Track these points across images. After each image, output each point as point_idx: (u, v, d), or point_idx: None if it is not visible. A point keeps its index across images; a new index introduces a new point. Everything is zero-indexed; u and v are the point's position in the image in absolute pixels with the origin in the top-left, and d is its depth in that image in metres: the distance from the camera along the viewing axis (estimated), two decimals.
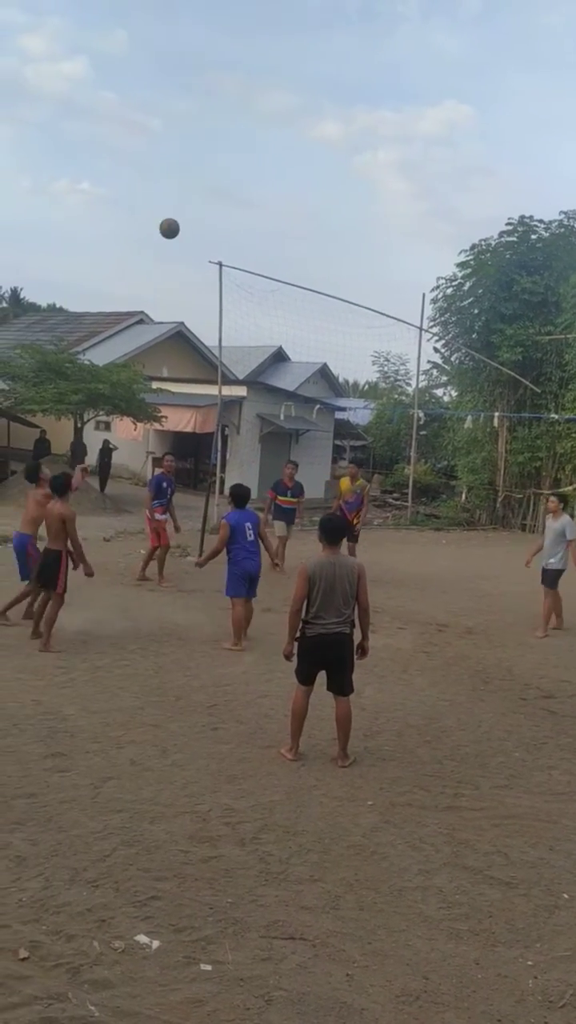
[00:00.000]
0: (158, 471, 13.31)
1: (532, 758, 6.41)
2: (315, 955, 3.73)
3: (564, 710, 7.71)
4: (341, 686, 6.14)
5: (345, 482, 14.68)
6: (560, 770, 6.20)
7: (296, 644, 6.15)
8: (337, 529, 6.32)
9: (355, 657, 6.21)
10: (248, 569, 9.09)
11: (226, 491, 17.40)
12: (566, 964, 3.79)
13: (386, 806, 5.36)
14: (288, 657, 6.25)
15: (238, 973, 3.56)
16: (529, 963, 3.78)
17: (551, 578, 11.01)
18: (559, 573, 10.97)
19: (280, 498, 14.80)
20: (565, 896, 4.40)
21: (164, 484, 12.52)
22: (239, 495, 9.37)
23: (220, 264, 19.77)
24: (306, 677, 6.15)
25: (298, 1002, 3.40)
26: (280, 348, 36.67)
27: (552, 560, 10.99)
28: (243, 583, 9.09)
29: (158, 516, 12.35)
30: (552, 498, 11.85)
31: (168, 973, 3.55)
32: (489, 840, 4.98)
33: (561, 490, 23.81)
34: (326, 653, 6.07)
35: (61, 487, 8.69)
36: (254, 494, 25.33)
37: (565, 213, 25.88)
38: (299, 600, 6.07)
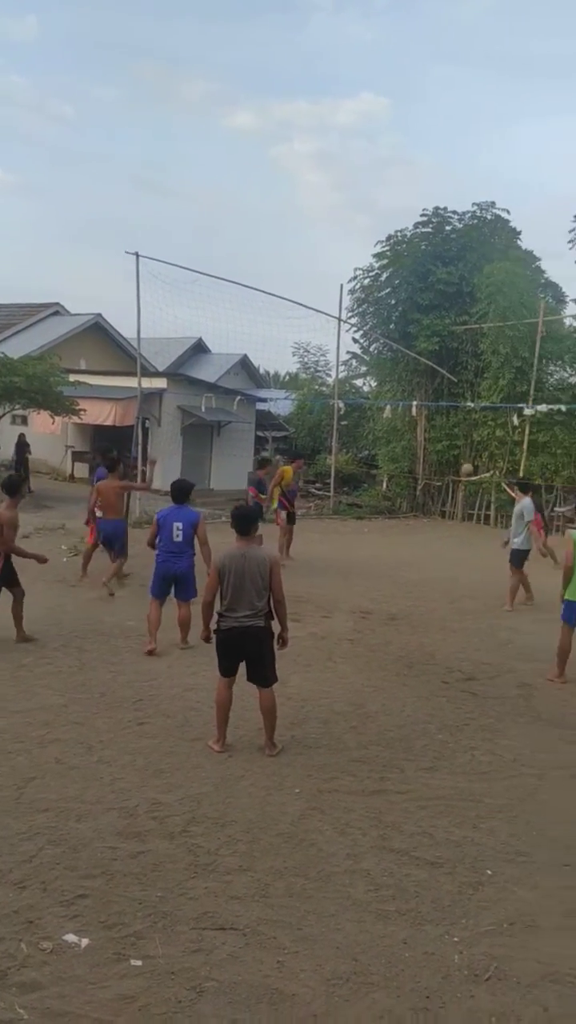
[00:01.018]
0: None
1: (455, 740, 6.55)
2: (246, 944, 3.75)
3: (485, 692, 7.89)
4: (261, 678, 6.12)
5: (288, 471, 15.35)
6: (482, 750, 6.35)
7: (215, 636, 6.14)
8: (245, 518, 6.23)
9: (276, 648, 6.19)
10: (165, 570, 8.67)
11: (147, 483, 17.26)
12: (490, 938, 3.90)
13: (313, 793, 5.41)
14: (206, 640, 6.31)
15: (169, 966, 3.56)
16: (455, 939, 3.87)
17: (516, 558, 11.80)
18: (522, 553, 11.72)
19: (261, 496, 14.97)
20: (489, 872, 4.51)
21: None
22: (176, 489, 8.92)
23: (137, 255, 19.56)
24: (225, 669, 6.14)
25: (229, 991, 3.42)
26: (200, 340, 36.52)
27: (516, 540, 11.79)
28: (160, 584, 8.73)
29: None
30: (512, 485, 12.47)
31: (98, 971, 3.52)
32: (415, 822, 5.08)
33: (478, 476, 24.35)
34: (242, 646, 6.04)
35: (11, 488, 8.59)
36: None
37: (478, 205, 26.38)
38: (210, 591, 6.10)
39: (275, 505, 15.18)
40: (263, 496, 14.85)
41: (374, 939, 3.85)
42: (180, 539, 8.67)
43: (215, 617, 6.15)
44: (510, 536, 12.07)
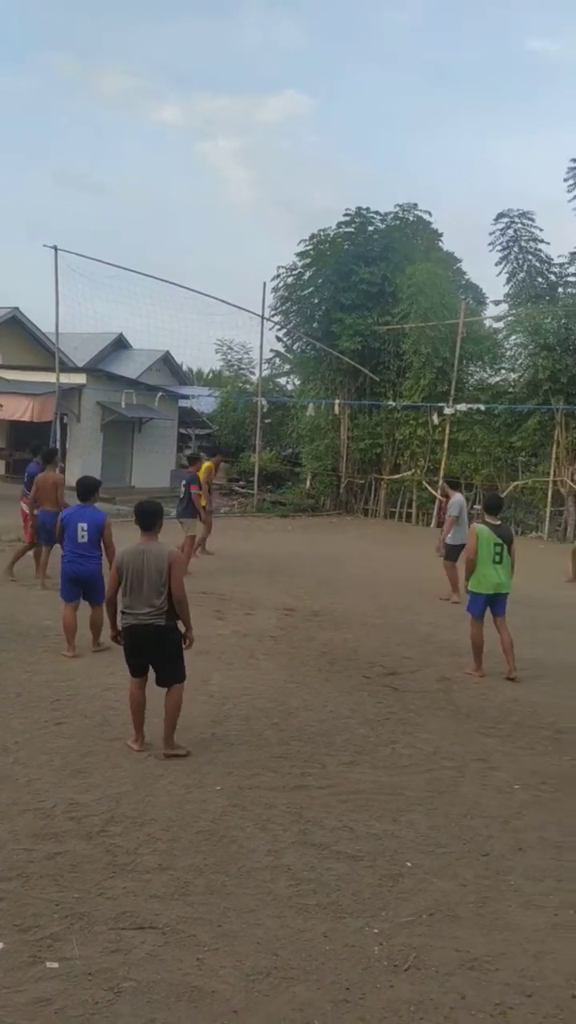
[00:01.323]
0: (35, 462, 12.61)
1: (376, 734, 6.60)
2: (165, 942, 3.70)
3: (406, 686, 7.98)
4: (166, 677, 5.97)
5: (211, 466, 15.51)
6: (402, 744, 6.41)
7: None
8: (147, 514, 6.04)
9: (183, 647, 6.02)
10: (71, 572, 8.34)
11: (66, 482, 16.99)
12: (410, 929, 3.93)
13: (234, 790, 5.38)
14: (115, 640, 6.20)
15: (86, 968, 3.49)
16: (375, 931, 3.89)
17: (450, 553, 12.45)
18: (458, 548, 11.95)
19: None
20: (408, 864, 4.55)
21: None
22: (82, 487, 8.57)
23: (55, 248, 19.23)
24: (132, 668, 6.01)
25: (148, 991, 3.37)
26: (121, 335, 36.06)
27: (449, 536, 12.48)
28: (68, 586, 8.41)
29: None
30: (443, 484, 13.92)
31: (12, 975, 3.43)
32: (336, 816, 5.09)
33: (401, 475, 24.64)
34: (142, 644, 5.88)
35: None
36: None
37: (400, 206, 26.69)
38: (111, 589, 6.08)
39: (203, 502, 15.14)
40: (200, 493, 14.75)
41: (295, 933, 3.84)
42: (85, 540, 8.32)
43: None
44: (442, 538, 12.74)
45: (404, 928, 3.93)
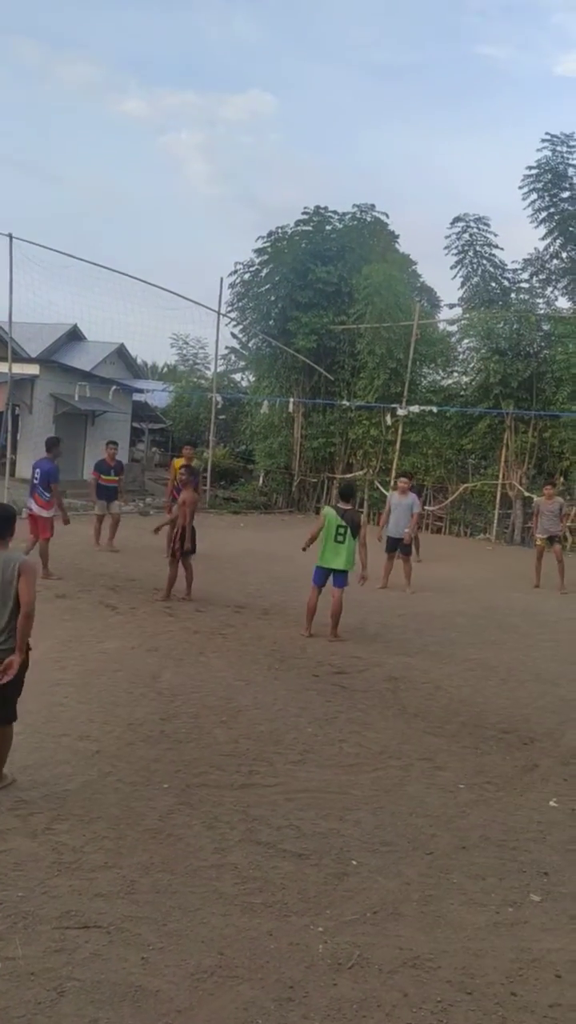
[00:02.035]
0: (46, 456, 12.59)
1: (324, 732, 6.64)
2: (110, 942, 3.69)
3: (354, 685, 8.04)
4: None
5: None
6: (350, 743, 6.46)
7: None
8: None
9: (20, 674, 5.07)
10: None
11: (18, 473, 16.81)
12: (354, 927, 3.96)
13: (182, 788, 5.37)
14: None
15: (29, 967, 3.46)
16: (320, 929, 3.92)
17: (406, 547, 13.56)
18: (398, 541, 13.48)
19: (103, 477, 15.45)
20: (354, 863, 4.59)
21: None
22: None
23: (10, 236, 18.96)
24: None
25: (92, 990, 3.35)
26: (75, 326, 35.72)
27: (396, 531, 13.51)
28: None
29: (46, 512, 12.06)
30: (401, 479, 14.62)
31: None
32: (283, 815, 5.11)
33: (353, 474, 24.77)
34: None
35: None
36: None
37: (358, 206, 26.85)
38: None
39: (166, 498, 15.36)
40: (107, 477, 15.37)
41: (239, 932, 3.85)
42: None
43: None
44: (393, 527, 13.65)
45: (348, 926, 3.97)
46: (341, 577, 9.88)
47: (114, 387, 28.28)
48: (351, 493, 10.41)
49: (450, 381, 25.94)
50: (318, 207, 26.35)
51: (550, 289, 25.18)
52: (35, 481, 12.31)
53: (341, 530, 9.71)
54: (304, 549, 10.21)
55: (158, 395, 35.52)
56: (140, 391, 33.32)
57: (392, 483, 22.49)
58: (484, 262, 26.33)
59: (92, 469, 15.82)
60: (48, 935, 3.70)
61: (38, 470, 12.35)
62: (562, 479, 22.28)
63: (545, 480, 22.34)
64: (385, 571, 13.59)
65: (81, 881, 4.15)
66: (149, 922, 3.86)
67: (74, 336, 36.55)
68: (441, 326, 26.91)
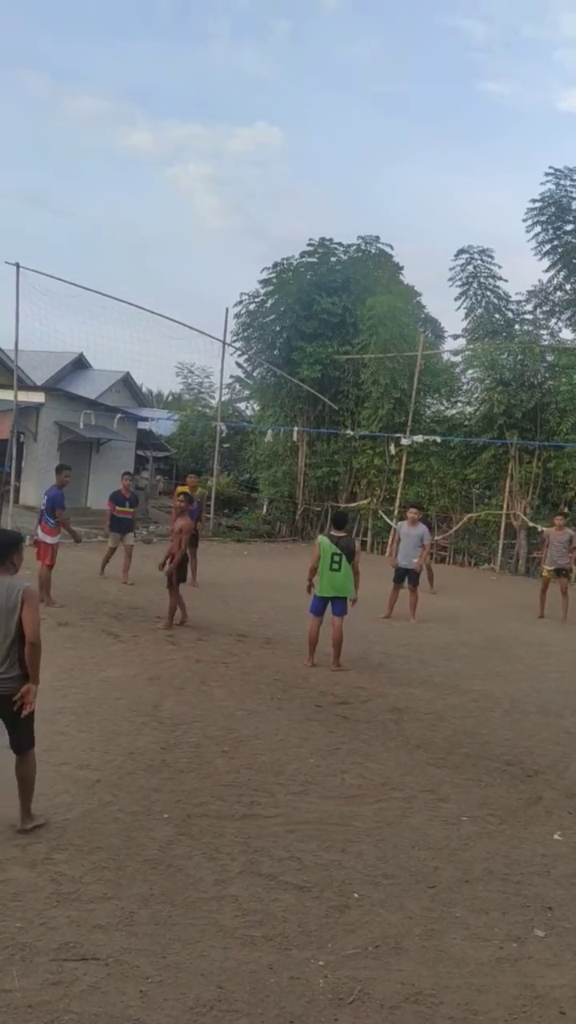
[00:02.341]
0: (54, 483, 12.71)
1: (326, 763, 6.59)
2: (108, 974, 3.65)
3: (357, 715, 7.99)
4: (14, 743, 4.97)
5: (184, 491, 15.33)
6: (352, 774, 6.41)
7: None
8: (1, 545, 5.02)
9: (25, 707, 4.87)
10: None
11: (22, 500, 16.87)
12: (355, 961, 3.91)
13: (182, 818, 5.33)
14: None
15: (26, 1000, 3.42)
16: (320, 963, 3.87)
17: (415, 576, 13.49)
18: (407, 571, 13.48)
19: (118, 508, 15.19)
20: (355, 895, 4.54)
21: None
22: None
23: (17, 266, 19.15)
24: None
25: None
26: (81, 355, 35.93)
27: (416, 561, 13.43)
28: None
29: (49, 539, 12.18)
30: (412, 509, 14.34)
31: None
32: (284, 846, 5.07)
33: (357, 503, 24.79)
34: None
35: None
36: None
37: (363, 238, 27.14)
38: None
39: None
40: (121, 508, 15.16)
41: (240, 965, 3.80)
42: None
43: None
44: (402, 557, 13.57)
45: (350, 960, 3.92)
46: (340, 605, 9.88)
47: (119, 415, 28.43)
48: (344, 520, 10.48)
49: (454, 411, 26.04)
50: (323, 239, 26.65)
51: (554, 320, 25.38)
52: (43, 507, 12.39)
53: (336, 557, 9.73)
54: (310, 589, 10.05)
55: (163, 423, 35.69)
56: (145, 419, 33.49)
57: (396, 513, 22.56)
58: (488, 293, 26.53)
59: (108, 500, 15.63)
60: (46, 967, 3.65)
61: (46, 496, 12.44)
62: (567, 509, 22.28)
63: (551, 510, 22.35)
64: (390, 601, 13.56)
65: (80, 912, 4.11)
66: (148, 954, 3.81)
67: (80, 364, 36.76)
68: (445, 356, 27.08)
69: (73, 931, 3.94)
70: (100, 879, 4.46)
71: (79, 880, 4.43)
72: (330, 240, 26.71)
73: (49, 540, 12.11)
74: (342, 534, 10.08)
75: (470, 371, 25.24)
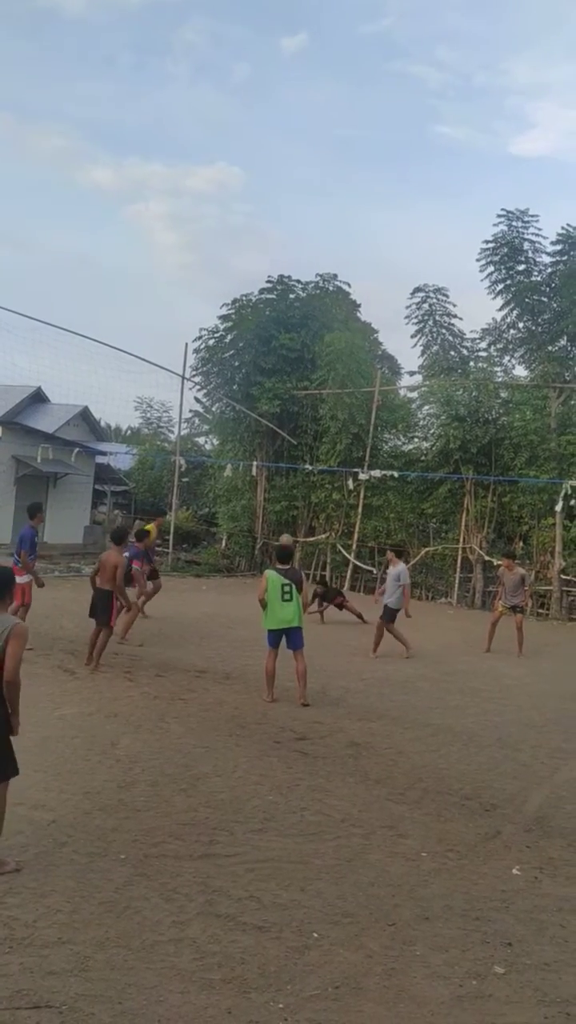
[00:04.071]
0: (30, 524, 12.46)
1: (285, 800, 6.54)
2: (62, 1022, 3.55)
3: (316, 751, 7.95)
4: None
5: (153, 530, 15.81)
6: (311, 811, 6.36)
7: None
8: None
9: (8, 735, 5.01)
10: None
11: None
12: (315, 1003, 3.86)
13: (139, 859, 5.24)
14: None
15: None
16: (280, 1006, 3.81)
17: (388, 614, 13.51)
18: (395, 611, 13.52)
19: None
20: (315, 935, 4.49)
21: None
22: None
23: None
24: None
25: None
26: (39, 389, 35.72)
27: (390, 600, 13.48)
28: None
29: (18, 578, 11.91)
30: (389, 551, 14.95)
31: None
32: (243, 886, 5.00)
33: (315, 538, 24.84)
34: None
35: None
36: (7, 537, 24.48)
37: (321, 276, 27.50)
38: None
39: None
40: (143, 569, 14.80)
41: (197, 1010, 3.73)
42: None
43: None
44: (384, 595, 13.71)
45: (309, 1002, 3.87)
46: (297, 635, 9.87)
47: (77, 449, 28.27)
48: (288, 556, 10.56)
49: (411, 446, 26.32)
50: (281, 276, 26.95)
51: (507, 358, 25.81)
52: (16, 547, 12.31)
53: (287, 588, 9.76)
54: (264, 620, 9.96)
55: (121, 458, 35.52)
56: (103, 453, 33.33)
57: (355, 547, 22.76)
58: (443, 331, 26.99)
59: (133, 558, 14.32)
60: None
61: (19, 536, 12.36)
62: (521, 543, 22.55)
63: (507, 544, 22.63)
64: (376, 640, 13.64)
65: (33, 958, 4.01)
66: (103, 1001, 3.73)
67: (38, 398, 36.51)
68: (402, 392, 27.41)
69: (26, 978, 3.84)
70: (54, 923, 4.36)
71: (32, 924, 4.32)
72: (288, 277, 27.05)
73: (18, 579, 11.95)
74: (288, 566, 10.17)
75: (426, 407, 25.59)
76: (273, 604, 9.76)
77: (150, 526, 15.92)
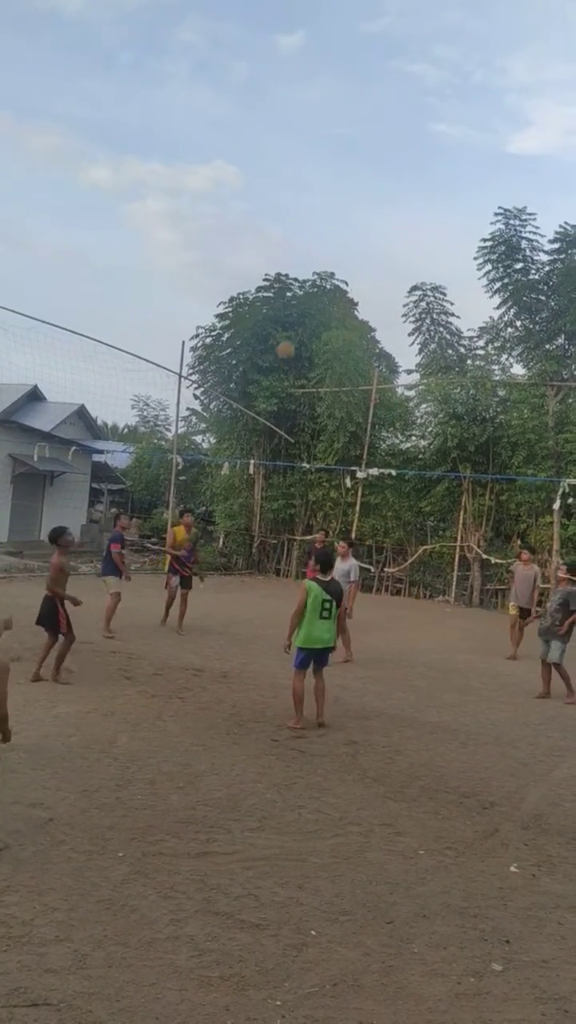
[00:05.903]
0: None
1: (283, 798, 6.54)
2: (59, 1020, 3.55)
3: (313, 749, 7.95)
4: None
5: (180, 531, 14.61)
6: (309, 808, 6.37)
7: None
8: None
9: None
10: None
11: None
12: (313, 1000, 3.86)
13: (137, 857, 5.24)
14: None
15: None
16: (278, 1003, 3.81)
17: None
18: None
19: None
20: (313, 933, 4.49)
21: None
22: None
23: None
24: None
25: None
26: (35, 387, 35.67)
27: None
28: None
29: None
30: (341, 542, 13.33)
31: None
32: (240, 883, 5.00)
33: (313, 536, 24.84)
34: None
35: None
36: (3, 536, 24.46)
37: (319, 274, 27.48)
38: None
39: (166, 569, 14.69)
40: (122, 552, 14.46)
41: (195, 1007, 3.73)
42: None
43: None
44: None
45: (307, 999, 3.87)
46: (325, 656, 8.95)
47: (73, 448, 28.25)
48: (331, 563, 9.30)
49: (408, 445, 26.32)
50: (279, 274, 26.93)
51: (505, 356, 25.78)
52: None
53: (327, 604, 8.67)
54: (288, 648, 8.94)
55: (118, 456, 35.50)
56: (100, 452, 33.31)
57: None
58: (441, 329, 26.95)
59: (112, 541, 13.73)
60: None
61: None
62: (519, 541, 22.57)
63: (504, 542, 22.62)
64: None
65: (31, 956, 4.01)
66: (101, 998, 3.73)
67: (34, 397, 36.45)
68: (399, 391, 27.39)
69: (24, 976, 3.84)
70: (52, 921, 4.36)
71: (30, 923, 4.32)
72: (286, 275, 27.02)
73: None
74: (328, 578, 9.01)
75: (424, 405, 25.57)
76: (311, 621, 8.62)
77: (178, 527, 14.87)
